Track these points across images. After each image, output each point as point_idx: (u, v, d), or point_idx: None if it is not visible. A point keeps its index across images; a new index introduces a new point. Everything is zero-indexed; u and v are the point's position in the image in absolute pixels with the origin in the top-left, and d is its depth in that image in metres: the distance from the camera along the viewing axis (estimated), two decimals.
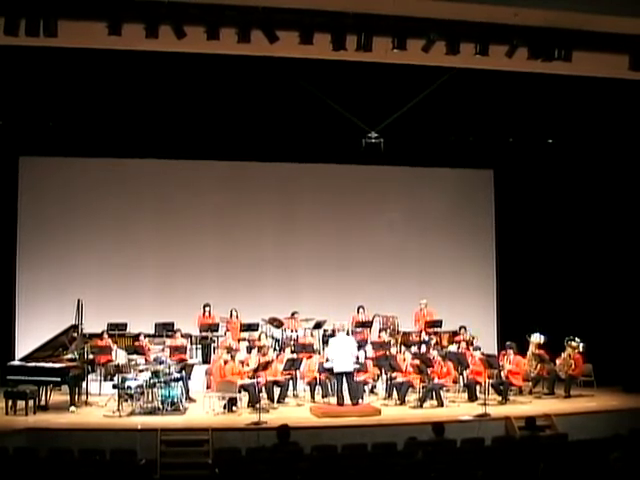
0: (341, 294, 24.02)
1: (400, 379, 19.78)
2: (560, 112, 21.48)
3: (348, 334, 20.85)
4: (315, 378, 19.93)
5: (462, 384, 20.63)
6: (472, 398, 19.64)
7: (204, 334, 22.27)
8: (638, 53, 15.53)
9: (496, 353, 21.49)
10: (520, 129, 22.58)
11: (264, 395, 18.96)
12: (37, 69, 18.79)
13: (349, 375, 18.82)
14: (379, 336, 21.81)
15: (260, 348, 19.88)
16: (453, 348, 21.48)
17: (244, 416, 17.89)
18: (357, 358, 19.42)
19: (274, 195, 24.86)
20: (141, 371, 18.53)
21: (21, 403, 17.69)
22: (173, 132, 21.86)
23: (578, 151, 22.72)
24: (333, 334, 21.85)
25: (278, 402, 19.31)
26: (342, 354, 18.84)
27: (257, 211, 24.69)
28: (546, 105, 21.14)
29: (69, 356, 19.13)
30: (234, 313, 22.22)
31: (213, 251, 24.40)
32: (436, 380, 19.48)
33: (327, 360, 19.72)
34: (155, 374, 18.25)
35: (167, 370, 18.58)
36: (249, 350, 20.43)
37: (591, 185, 22.78)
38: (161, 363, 18.74)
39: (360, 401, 19.12)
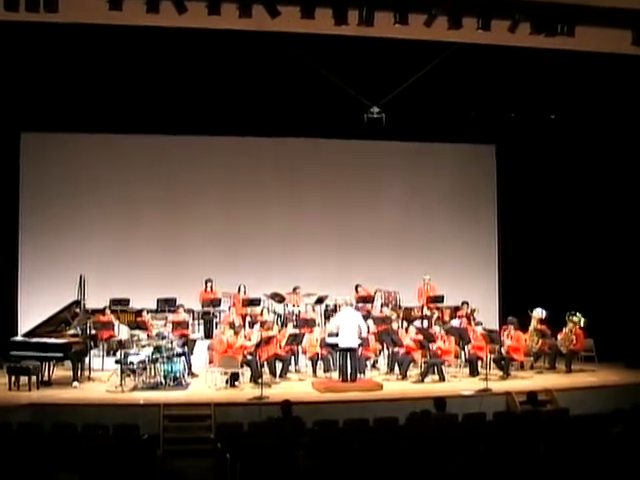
0: (343, 269, 24.06)
1: (402, 354, 19.83)
2: (563, 88, 21.41)
3: (357, 309, 20.84)
4: (317, 353, 19.98)
5: (464, 359, 20.68)
6: (474, 373, 19.69)
7: (206, 309, 22.32)
8: None
9: (498, 328, 21.53)
10: (522, 104, 22.51)
11: (266, 370, 19.04)
12: (38, 45, 18.70)
13: (353, 351, 18.85)
14: (381, 311, 21.83)
15: (262, 323, 19.92)
16: (455, 323, 21.52)
17: (246, 391, 17.96)
18: (361, 332, 19.39)
19: (275, 170, 24.85)
20: (143, 346, 18.59)
21: (24, 379, 17.76)
22: (176, 108, 21.77)
23: (580, 127, 22.66)
24: (335, 309, 21.92)
25: (280, 377, 19.38)
26: (347, 329, 18.83)
27: (259, 186, 24.67)
28: (548, 81, 21.07)
29: (71, 332, 19.18)
30: (242, 288, 22.23)
31: (215, 227, 24.42)
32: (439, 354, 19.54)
33: (329, 335, 19.76)
34: (157, 349, 18.32)
35: (169, 345, 18.66)
36: (251, 325, 20.49)
37: (593, 161, 22.72)
38: (163, 338, 18.81)
39: (361, 376, 19.18)
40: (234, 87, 21.18)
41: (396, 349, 20.04)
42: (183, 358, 19.05)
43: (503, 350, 19.80)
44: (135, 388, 17.94)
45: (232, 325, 19.69)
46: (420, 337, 19.77)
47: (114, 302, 21.76)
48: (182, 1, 13.96)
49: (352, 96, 20.51)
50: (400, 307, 23.04)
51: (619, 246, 22.33)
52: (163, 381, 18.12)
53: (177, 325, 20.36)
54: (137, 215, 23.98)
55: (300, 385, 19.16)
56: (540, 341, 20.77)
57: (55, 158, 23.61)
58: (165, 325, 20.35)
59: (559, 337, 20.72)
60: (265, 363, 19.03)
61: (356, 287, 22.78)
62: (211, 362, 19.34)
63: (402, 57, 19.48)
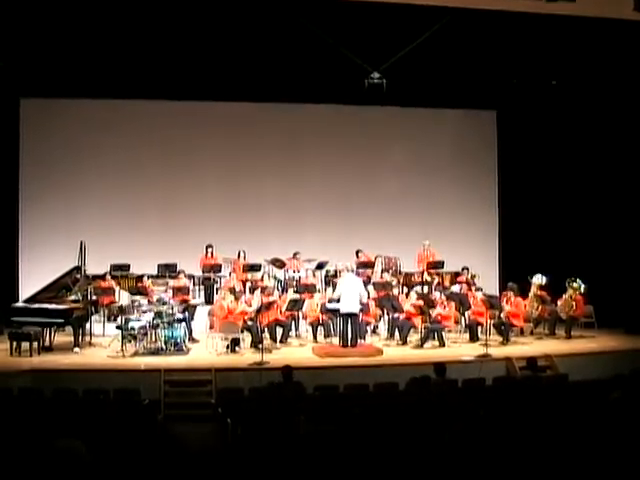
0: (343, 235, 24.06)
1: (402, 319, 19.87)
2: (564, 53, 21.30)
3: (358, 275, 20.84)
4: (317, 318, 20.03)
5: (464, 325, 20.74)
6: (473, 339, 19.74)
7: (207, 275, 22.36)
8: None
9: (498, 294, 21.57)
10: (524, 70, 22.38)
11: (267, 335, 19.10)
12: (38, 8, 18.59)
13: (354, 316, 18.88)
14: (381, 277, 21.86)
15: (263, 289, 19.95)
16: (455, 289, 21.55)
17: (247, 356, 18.03)
18: (362, 298, 19.39)
19: (276, 136, 24.79)
20: (144, 312, 18.67)
21: (25, 344, 17.82)
22: (177, 73, 21.67)
23: (581, 92, 22.57)
24: (336, 275, 21.94)
25: (281, 342, 19.44)
26: (349, 295, 18.85)
27: (259, 152, 24.63)
28: (550, 46, 20.96)
29: (72, 297, 19.24)
30: (241, 254, 22.27)
31: (216, 192, 24.40)
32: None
33: (330, 301, 19.79)
34: (158, 315, 18.38)
35: (170, 311, 18.72)
36: (252, 291, 20.52)
37: (594, 126, 22.67)
38: (164, 304, 18.85)
39: (362, 341, 19.23)
40: (235, 52, 21.04)
41: (396, 315, 20.09)
42: (184, 324, 19.14)
43: (503, 316, 19.85)
44: (136, 353, 18.01)
45: (233, 291, 19.72)
46: (420, 303, 19.81)
47: (115, 268, 21.81)
48: None
49: (353, 61, 20.41)
50: (400, 273, 23.08)
51: (619, 212, 22.31)
52: (164, 346, 18.20)
53: (178, 291, 20.39)
54: (138, 181, 23.96)
55: (300, 350, 19.23)
56: (540, 307, 20.82)
57: (55, 124, 23.54)
58: (166, 291, 20.36)
59: (559, 303, 20.78)
60: (266, 328, 19.10)
61: (357, 253, 22.82)
62: (212, 327, 19.39)
63: (403, 22, 19.35)
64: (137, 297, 19.99)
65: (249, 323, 18.75)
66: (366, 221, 24.63)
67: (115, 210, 23.74)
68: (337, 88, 22.56)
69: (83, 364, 17.16)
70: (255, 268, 21.94)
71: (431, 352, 18.76)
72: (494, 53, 21.43)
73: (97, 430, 9.93)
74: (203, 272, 22.40)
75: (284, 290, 21.35)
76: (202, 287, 22.60)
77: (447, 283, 22.91)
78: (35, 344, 17.86)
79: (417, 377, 13.81)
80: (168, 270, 21.87)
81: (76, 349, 18.43)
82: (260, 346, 17.85)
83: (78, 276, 19.46)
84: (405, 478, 7.01)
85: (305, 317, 20.53)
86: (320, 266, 22.55)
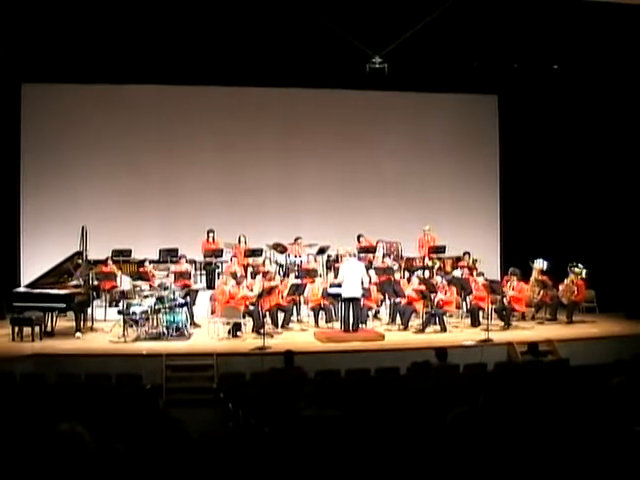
0: (344, 220, 24.05)
1: (404, 304, 19.88)
2: (566, 38, 21.25)
3: (359, 260, 20.82)
4: (319, 303, 20.05)
5: (465, 309, 20.75)
6: (475, 323, 19.75)
7: (208, 260, 22.35)
8: None
9: (499, 279, 21.58)
10: (525, 54, 22.35)
11: (268, 320, 19.11)
12: None
13: (356, 301, 18.88)
14: (383, 261, 21.86)
15: (265, 274, 19.95)
16: (457, 273, 21.54)
17: (248, 341, 18.05)
18: (363, 282, 19.39)
19: (277, 120, 24.76)
20: (146, 297, 18.66)
21: (27, 329, 17.83)
22: (176, 57, 21.64)
23: (583, 77, 22.52)
24: (337, 260, 21.94)
25: (282, 327, 19.46)
26: (351, 280, 18.84)
27: (260, 136, 24.59)
28: (551, 30, 20.91)
29: (74, 283, 19.23)
30: (242, 239, 22.27)
31: (217, 177, 24.39)
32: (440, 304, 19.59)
33: (331, 286, 19.78)
34: (160, 300, 18.39)
35: (172, 296, 18.72)
36: (253, 276, 20.52)
37: (595, 111, 22.62)
38: (165, 289, 18.85)
39: (363, 326, 19.24)
40: (235, 36, 21.00)
41: (398, 299, 20.10)
42: (185, 308, 19.13)
43: (505, 301, 19.84)
44: (138, 338, 18.03)
45: (234, 275, 19.73)
46: (422, 287, 19.82)
47: (116, 253, 21.79)
48: None
49: (354, 46, 20.35)
50: (402, 257, 23.08)
51: (620, 197, 22.30)
52: (165, 331, 18.22)
53: (179, 275, 20.41)
54: (138, 166, 23.93)
55: (302, 335, 19.26)
56: (541, 292, 20.83)
57: (56, 109, 23.50)
58: (167, 276, 20.37)
59: (560, 288, 20.79)
60: (267, 313, 19.11)
61: (358, 237, 22.83)
62: (213, 312, 19.41)
63: (405, 6, 19.32)
64: (139, 282, 20.01)
65: (251, 308, 18.77)
66: (367, 206, 24.60)
67: (117, 195, 23.71)
68: (338, 72, 22.53)
69: (85, 349, 17.18)
70: (256, 253, 21.96)
71: (432, 337, 18.79)
72: (495, 37, 21.38)
73: (99, 415, 9.94)
74: (204, 257, 22.40)
75: (285, 275, 21.35)
76: (203, 272, 22.57)
77: (449, 268, 22.91)
78: (37, 329, 17.88)
79: (418, 362, 13.81)
80: (169, 255, 21.88)
81: (78, 334, 18.46)
82: (262, 331, 17.88)
83: (80, 261, 19.46)
84: (406, 462, 7.01)
85: (307, 302, 20.57)
86: (321, 251, 22.56)
